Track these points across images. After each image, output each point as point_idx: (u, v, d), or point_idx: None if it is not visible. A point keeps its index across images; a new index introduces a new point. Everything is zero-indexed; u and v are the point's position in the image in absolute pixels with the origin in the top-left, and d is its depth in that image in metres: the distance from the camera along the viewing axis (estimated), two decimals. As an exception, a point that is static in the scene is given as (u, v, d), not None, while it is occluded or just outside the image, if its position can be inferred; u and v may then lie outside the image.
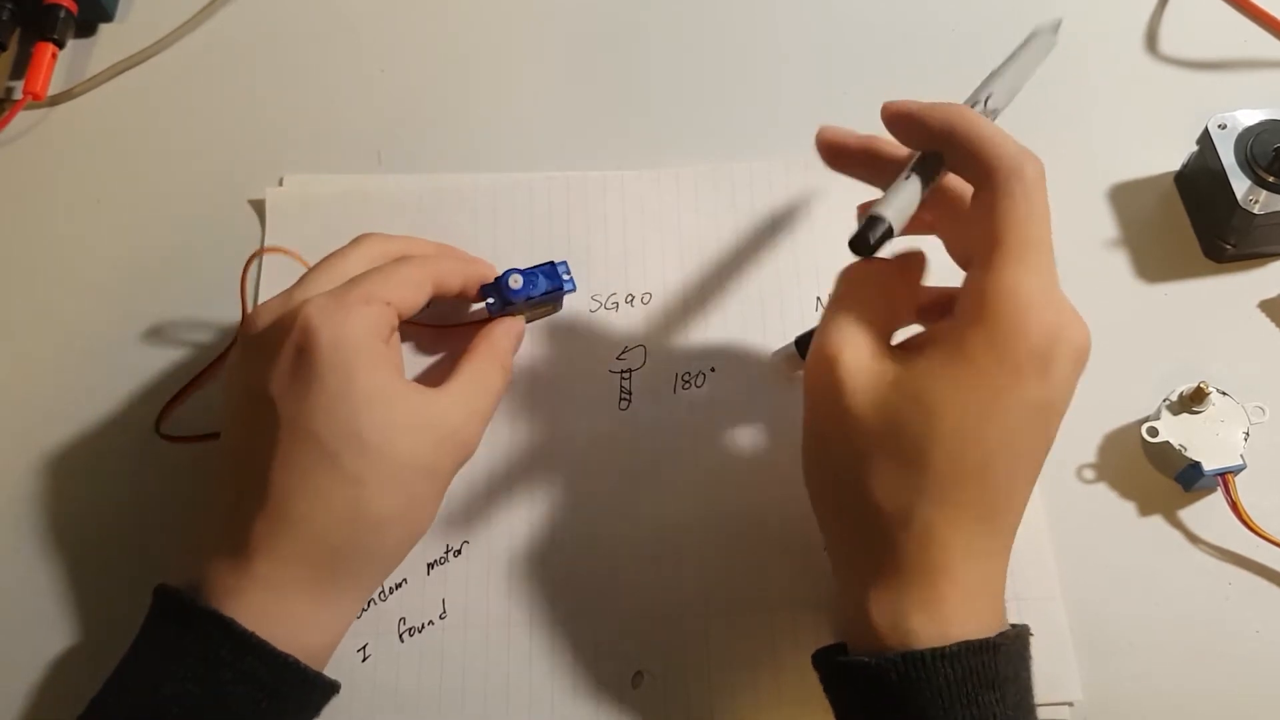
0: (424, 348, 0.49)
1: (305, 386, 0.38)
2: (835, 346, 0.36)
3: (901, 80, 0.56)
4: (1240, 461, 0.44)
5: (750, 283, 0.50)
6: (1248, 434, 0.44)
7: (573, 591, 0.44)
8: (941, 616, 0.34)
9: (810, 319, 0.49)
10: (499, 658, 0.43)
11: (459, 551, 0.45)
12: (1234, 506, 0.43)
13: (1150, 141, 0.53)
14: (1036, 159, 0.36)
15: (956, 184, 0.39)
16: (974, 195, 0.37)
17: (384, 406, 0.39)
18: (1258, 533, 0.43)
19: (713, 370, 0.48)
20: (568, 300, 0.49)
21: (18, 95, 0.55)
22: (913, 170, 0.37)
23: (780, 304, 0.50)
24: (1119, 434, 0.47)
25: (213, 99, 0.57)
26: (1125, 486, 0.46)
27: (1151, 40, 0.57)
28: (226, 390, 0.43)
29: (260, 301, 0.43)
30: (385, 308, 0.41)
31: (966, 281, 0.36)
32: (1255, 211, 0.47)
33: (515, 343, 0.47)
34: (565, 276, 0.47)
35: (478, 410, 0.43)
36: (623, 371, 0.49)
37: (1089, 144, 0.54)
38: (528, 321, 0.49)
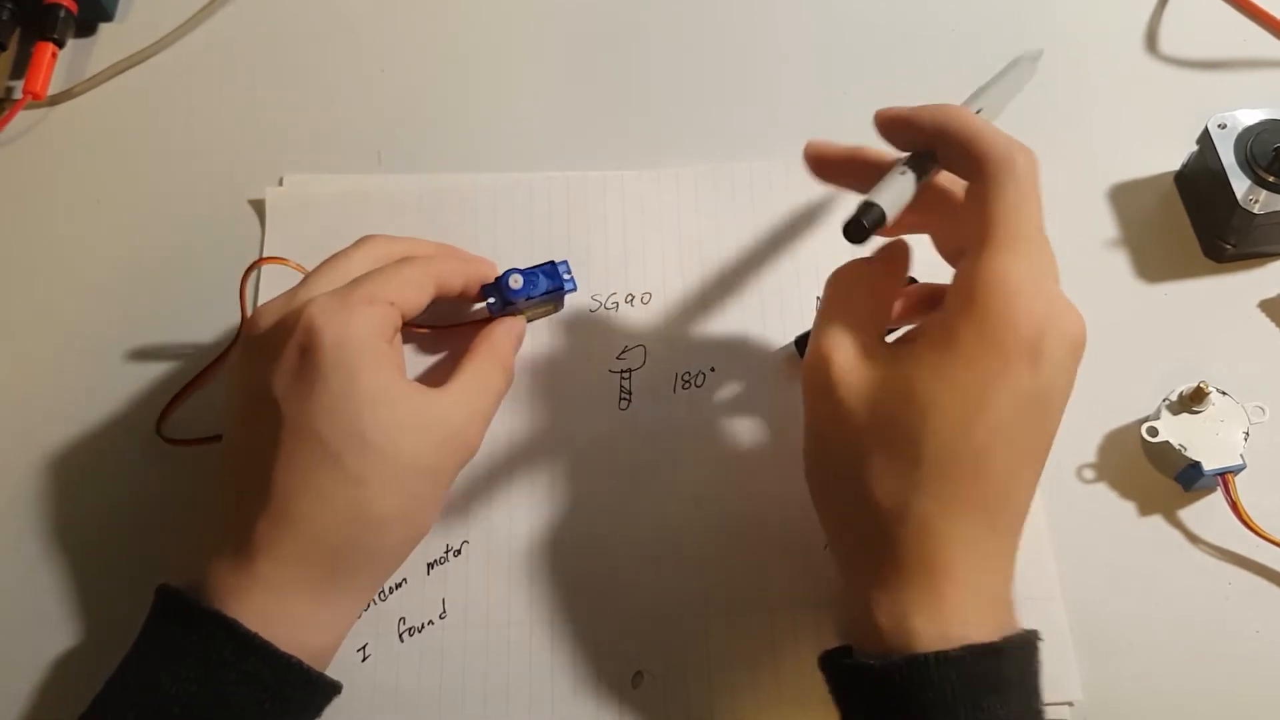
0: (425, 348, 0.49)
1: (308, 386, 0.38)
2: (827, 348, 0.37)
3: (901, 80, 0.56)
4: (1240, 461, 0.44)
5: (750, 282, 0.50)
6: (1248, 434, 0.44)
7: (573, 591, 0.44)
8: (942, 617, 0.34)
9: (810, 319, 0.49)
10: (499, 658, 0.43)
11: (459, 551, 0.45)
12: (1234, 506, 0.43)
13: (1150, 141, 0.53)
14: (1028, 151, 0.36)
15: (949, 182, 0.39)
16: (968, 189, 0.37)
17: (386, 407, 0.39)
18: (1258, 533, 0.43)
19: (713, 370, 0.48)
20: (568, 300, 0.49)
21: (18, 95, 0.55)
22: (906, 164, 0.38)
23: (780, 304, 0.50)
24: (1119, 434, 0.47)
25: (213, 99, 0.57)
26: (1125, 486, 0.46)
27: (1151, 40, 0.57)
28: (228, 390, 0.43)
29: (259, 303, 0.43)
30: (389, 308, 0.41)
31: (957, 273, 0.37)
32: (1255, 211, 0.47)
33: (516, 343, 0.47)
34: (566, 276, 0.47)
35: (479, 410, 0.43)
36: (623, 371, 0.49)
37: (1089, 144, 0.54)
38: (529, 321, 0.49)
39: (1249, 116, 0.48)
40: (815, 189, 0.52)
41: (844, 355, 0.37)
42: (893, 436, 0.35)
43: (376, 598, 0.44)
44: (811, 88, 0.56)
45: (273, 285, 0.50)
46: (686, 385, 0.48)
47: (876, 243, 0.40)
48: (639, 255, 0.51)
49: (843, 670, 0.36)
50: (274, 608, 0.37)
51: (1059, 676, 0.42)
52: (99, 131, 0.56)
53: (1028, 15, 0.58)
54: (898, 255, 0.41)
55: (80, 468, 0.47)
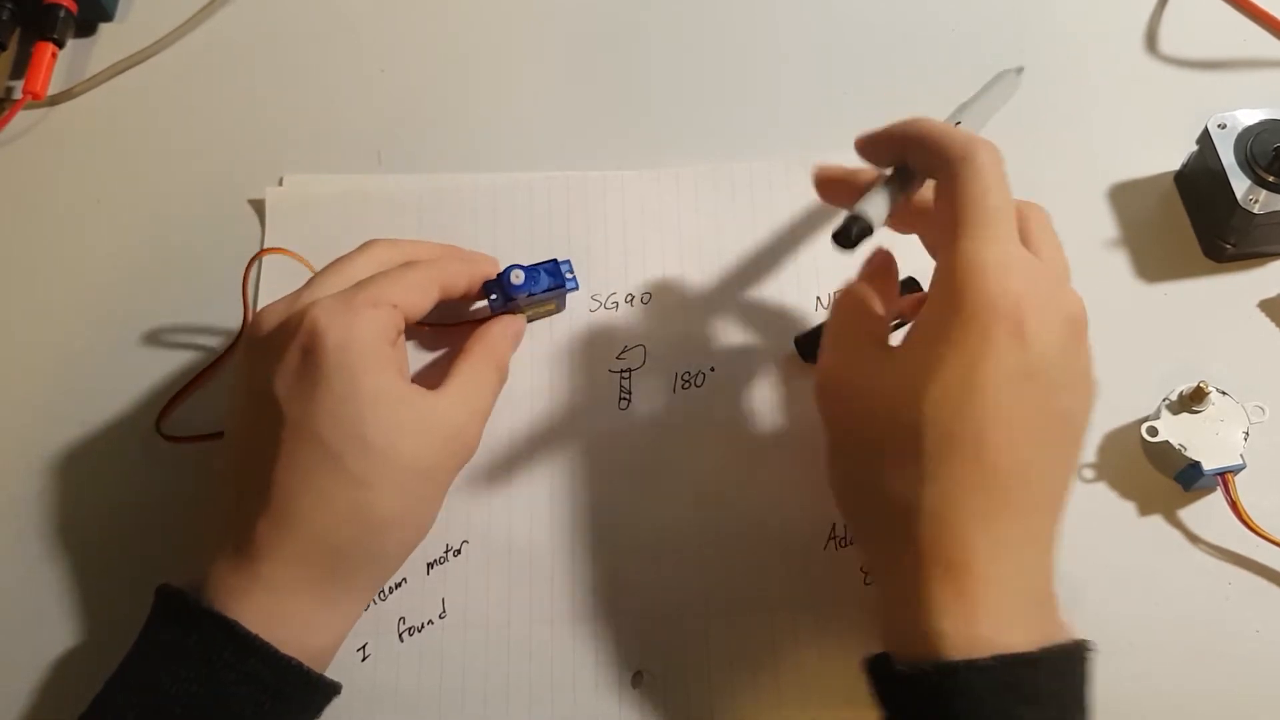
0: (426, 345, 0.49)
1: (310, 388, 0.38)
2: (834, 365, 0.40)
3: (901, 80, 0.56)
4: (1240, 461, 0.44)
5: (750, 282, 0.51)
6: (1247, 434, 0.44)
7: (572, 591, 0.44)
8: (973, 618, 0.33)
9: (809, 319, 0.49)
10: (499, 658, 0.43)
11: (459, 551, 0.45)
12: (1234, 506, 0.43)
13: (1150, 141, 0.53)
14: (991, 145, 0.37)
15: (931, 189, 0.41)
16: (935, 188, 0.39)
17: (388, 409, 0.39)
18: (1258, 532, 0.43)
19: (712, 370, 0.48)
20: (568, 300, 0.49)
21: (18, 95, 0.55)
22: (889, 178, 0.40)
23: (780, 304, 0.50)
24: (1119, 434, 0.47)
25: (213, 99, 0.57)
26: (1125, 486, 0.46)
27: (1151, 40, 0.57)
28: (231, 391, 0.43)
29: (261, 302, 0.43)
30: (392, 311, 0.41)
31: (935, 267, 0.38)
32: (1255, 211, 0.47)
33: (513, 341, 0.47)
34: (569, 275, 0.47)
35: (478, 410, 0.43)
36: (623, 371, 0.49)
37: (1089, 144, 0.54)
38: (530, 321, 0.49)
39: (1249, 116, 0.48)
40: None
41: (849, 368, 0.39)
42: (896, 432, 0.36)
43: (376, 598, 0.44)
44: (811, 88, 0.56)
45: (275, 281, 0.50)
46: (686, 385, 0.48)
47: (875, 243, 0.41)
48: (639, 255, 0.51)
49: (882, 676, 0.36)
50: (274, 608, 0.38)
51: (1059, 676, 0.42)
52: (99, 131, 0.56)
53: (1028, 15, 0.58)
54: (885, 270, 0.42)
55: (80, 467, 0.47)
